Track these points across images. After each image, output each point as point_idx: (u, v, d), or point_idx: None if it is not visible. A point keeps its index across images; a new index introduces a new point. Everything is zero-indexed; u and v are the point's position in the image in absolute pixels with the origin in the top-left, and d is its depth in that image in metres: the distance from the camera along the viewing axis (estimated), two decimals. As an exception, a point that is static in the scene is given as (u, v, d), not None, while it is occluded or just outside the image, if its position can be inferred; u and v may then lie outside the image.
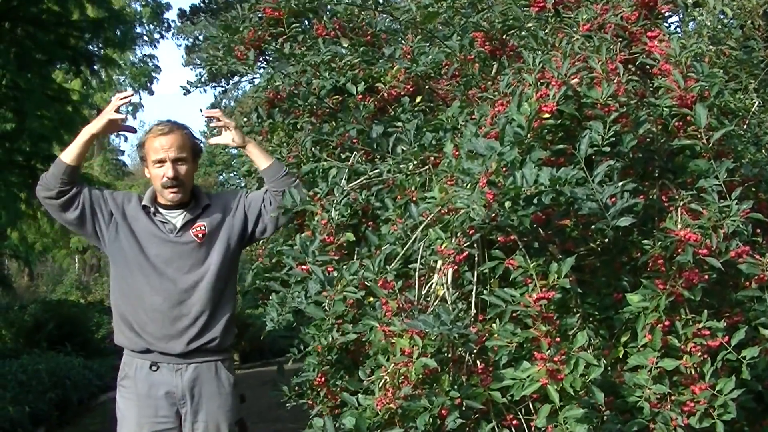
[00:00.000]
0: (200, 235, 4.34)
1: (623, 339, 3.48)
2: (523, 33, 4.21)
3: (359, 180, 4.04)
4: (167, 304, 4.28)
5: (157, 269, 4.31)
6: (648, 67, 3.78)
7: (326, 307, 3.59)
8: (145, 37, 34.60)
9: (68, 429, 11.48)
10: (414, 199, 3.75)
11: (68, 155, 4.32)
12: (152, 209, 4.37)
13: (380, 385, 3.25)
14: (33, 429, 10.08)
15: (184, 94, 4.65)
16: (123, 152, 49.62)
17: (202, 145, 4.60)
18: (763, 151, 4.31)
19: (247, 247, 4.67)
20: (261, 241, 4.73)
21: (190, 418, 4.31)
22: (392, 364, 3.21)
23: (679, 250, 3.29)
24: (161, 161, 4.29)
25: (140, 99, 44.91)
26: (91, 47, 15.96)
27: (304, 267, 3.67)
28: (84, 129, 4.35)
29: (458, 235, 3.33)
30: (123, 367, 4.40)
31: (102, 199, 4.38)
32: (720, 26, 5.47)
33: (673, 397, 3.32)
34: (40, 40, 14.01)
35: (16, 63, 13.57)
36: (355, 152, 4.23)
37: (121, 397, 4.39)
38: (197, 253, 4.34)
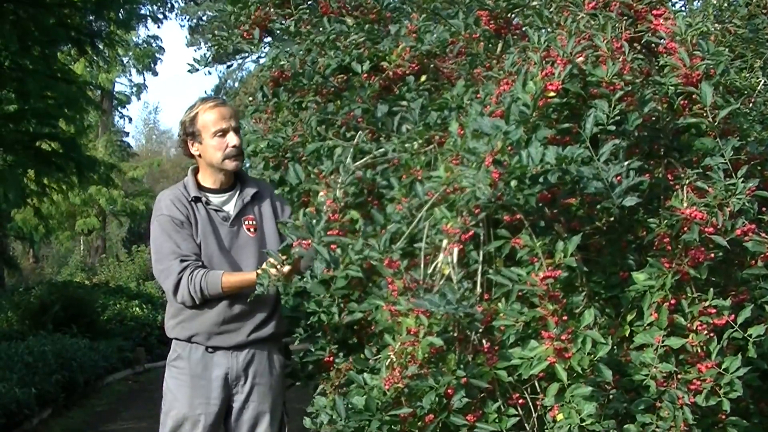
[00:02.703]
0: (252, 229, 4.34)
1: (629, 318, 3.48)
2: (528, 11, 4.20)
3: (364, 159, 4.03)
4: (229, 302, 4.27)
5: (215, 266, 4.28)
6: (653, 45, 3.77)
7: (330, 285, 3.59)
8: (149, 18, 34.54)
9: (75, 410, 11.51)
10: (419, 178, 3.75)
11: (227, 289, 4.21)
12: (203, 199, 4.33)
13: (387, 364, 3.25)
14: (39, 410, 10.11)
15: (190, 71, 4.63)
16: (128, 134, 49.59)
17: None
18: (769, 129, 4.31)
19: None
20: None
21: (241, 398, 4.32)
22: (399, 344, 3.22)
23: (685, 229, 3.29)
24: (224, 131, 4.25)
25: (144, 80, 44.84)
26: (94, 27, 15.92)
27: (305, 243, 3.65)
28: (247, 283, 4.18)
29: (464, 214, 3.33)
30: (175, 348, 4.37)
31: (191, 233, 4.28)
32: (725, 4, 5.47)
33: (679, 376, 3.33)
34: (41, 22, 13.97)
35: (18, 44, 13.55)
36: (360, 131, 4.22)
37: (173, 378, 4.36)
38: (252, 247, 4.33)
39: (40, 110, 14.95)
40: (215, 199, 4.33)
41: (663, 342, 3.32)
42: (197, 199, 4.30)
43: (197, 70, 4.59)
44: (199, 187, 4.35)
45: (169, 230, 4.25)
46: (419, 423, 3.24)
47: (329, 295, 3.93)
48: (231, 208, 4.33)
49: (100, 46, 16.29)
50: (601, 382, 3.21)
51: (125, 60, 38.19)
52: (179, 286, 4.17)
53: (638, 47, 3.82)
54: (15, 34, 13.40)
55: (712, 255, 3.33)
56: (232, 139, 4.26)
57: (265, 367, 4.35)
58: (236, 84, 45.82)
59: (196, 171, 4.41)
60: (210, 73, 48.32)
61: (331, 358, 4.01)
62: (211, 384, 4.28)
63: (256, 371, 4.32)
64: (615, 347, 3.39)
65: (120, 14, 15.90)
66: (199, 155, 4.34)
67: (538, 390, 3.34)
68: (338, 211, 3.82)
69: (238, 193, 4.36)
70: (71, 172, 15.90)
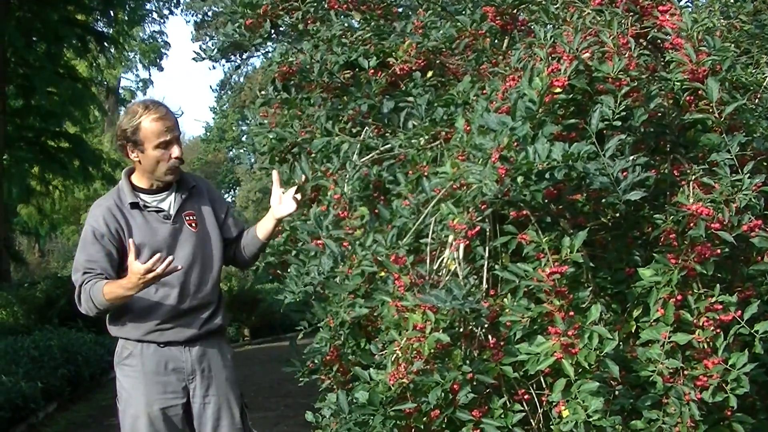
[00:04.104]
0: (193, 225, 4.33)
1: (635, 313, 3.49)
2: (534, 7, 4.20)
3: (371, 155, 4.03)
4: (177, 299, 4.27)
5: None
6: (659, 41, 3.77)
7: (339, 281, 3.60)
8: (155, 14, 34.58)
9: (80, 404, 11.53)
10: (426, 174, 3.75)
11: (111, 304, 4.18)
12: (141, 203, 4.30)
13: (392, 360, 3.25)
14: (45, 404, 10.13)
15: (195, 59, 4.62)
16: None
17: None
18: (775, 125, 4.30)
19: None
20: None
21: (200, 393, 4.30)
22: (405, 339, 3.22)
23: (691, 225, 3.29)
24: (168, 143, 4.22)
25: (149, 75, 44.80)
26: (100, 24, 15.95)
27: (319, 242, 3.67)
28: (122, 290, 4.13)
29: (470, 209, 3.33)
30: (124, 345, 4.35)
31: (109, 247, 4.21)
32: (731, 0, 5.45)
33: (685, 372, 3.33)
34: (47, 19, 13.99)
35: (23, 41, 13.57)
36: (367, 127, 4.22)
37: (126, 377, 4.34)
38: (195, 242, 4.32)
39: (45, 108, 14.98)
40: (152, 200, 4.31)
41: (669, 338, 3.32)
42: (134, 205, 4.28)
43: (205, 58, 4.59)
44: (134, 188, 4.34)
45: (87, 241, 4.24)
46: (424, 418, 3.25)
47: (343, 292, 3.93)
48: (170, 206, 4.31)
49: (106, 44, 16.33)
50: (608, 377, 3.22)
51: (131, 55, 38.23)
52: (80, 298, 4.19)
53: (644, 43, 3.81)
54: (19, 30, 13.43)
55: (718, 251, 3.33)
56: (175, 150, 4.22)
57: (218, 359, 4.36)
58: (241, 79, 45.82)
59: (130, 173, 4.37)
60: (215, 67, 48.33)
61: (335, 354, 4.01)
62: (166, 378, 4.27)
63: (210, 364, 4.33)
64: (621, 343, 3.39)
65: (126, 8, 15.93)
66: (139, 161, 4.29)
67: (544, 386, 3.35)
68: (346, 207, 3.83)
69: (175, 190, 4.35)
70: (75, 170, 15.92)
